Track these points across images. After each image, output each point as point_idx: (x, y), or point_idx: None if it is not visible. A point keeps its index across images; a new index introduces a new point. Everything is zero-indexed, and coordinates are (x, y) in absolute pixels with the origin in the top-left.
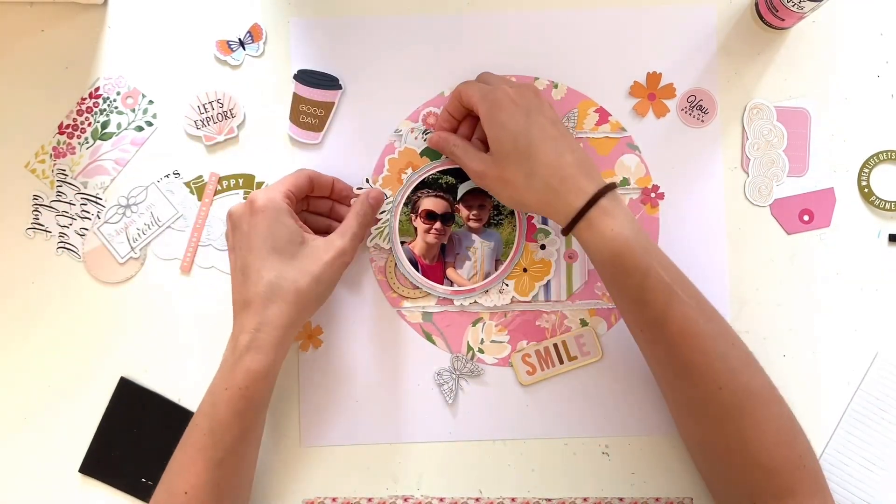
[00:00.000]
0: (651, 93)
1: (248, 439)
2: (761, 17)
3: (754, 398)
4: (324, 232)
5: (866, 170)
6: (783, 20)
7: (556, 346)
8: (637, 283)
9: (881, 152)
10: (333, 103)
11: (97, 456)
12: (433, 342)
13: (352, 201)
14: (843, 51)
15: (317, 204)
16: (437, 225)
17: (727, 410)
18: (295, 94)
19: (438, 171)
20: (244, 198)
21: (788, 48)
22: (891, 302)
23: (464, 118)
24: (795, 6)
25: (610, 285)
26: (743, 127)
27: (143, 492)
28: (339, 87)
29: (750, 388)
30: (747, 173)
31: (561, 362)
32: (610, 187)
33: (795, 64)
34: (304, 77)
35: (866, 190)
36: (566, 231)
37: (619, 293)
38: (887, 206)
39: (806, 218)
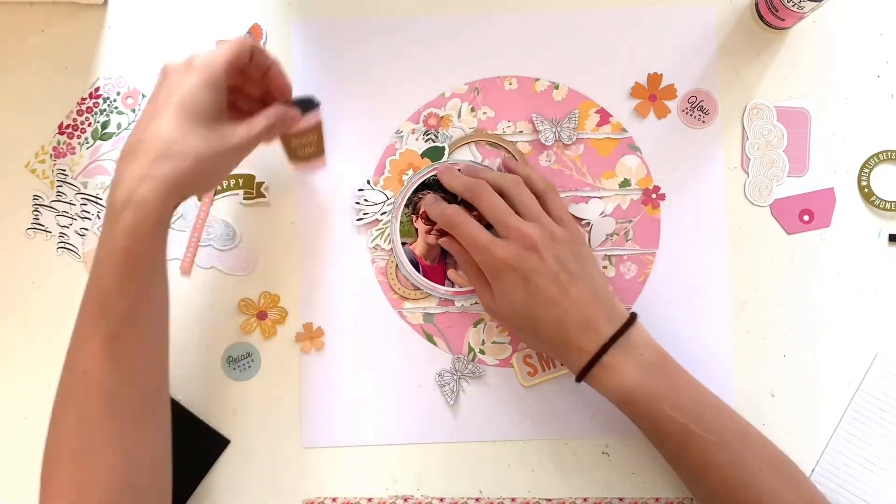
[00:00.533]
0: (652, 94)
1: (144, 307)
2: (761, 17)
3: None
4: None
5: (866, 170)
6: (783, 20)
7: None
8: (649, 427)
9: (881, 152)
10: (320, 121)
11: None
12: (434, 343)
13: (274, 106)
14: (843, 51)
15: (251, 87)
16: (438, 226)
17: None
18: (281, 135)
19: None
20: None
21: (788, 48)
22: (891, 302)
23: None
24: (795, 6)
25: (631, 419)
26: (743, 127)
27: None
28: (318, 103)
29: None
30: (747, 173)
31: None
32: (617, 334)
33: (795, 64)
34: None
35: (866, 190)
36: (578, 381)
37: (639, 428)
38: (887, 206)
39: (806, 218)
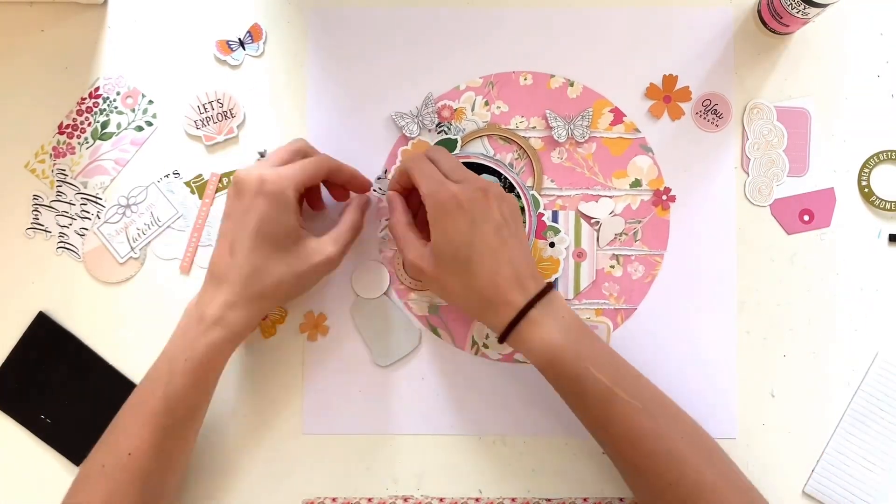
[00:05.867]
0: (666, 95)
1: (200, 410)
2: (765, 24)
3: (708, 492)
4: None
5: (866, 170)
6: (787, 26)
7: None
8: (574, 390)
9: (881, 152)
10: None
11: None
12: (439, 335)
13: (345, 209)
14: (843, 51)
15: (336, 192)
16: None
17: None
18: None
19: None
20: (260, 155)
21: (789, 49)
22: (891, 302)
23: (411, 191)
24: (800, 13)
25: (554, 387)
26: (743, 127)
27: (38, 427)
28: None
29: (701, 483)
30: (747, 173)
31: None
32: (541, 294)
33: (795, 64)
34: None
35: (866, 190)
36: (501, 340)
37: (562, 397)
38: (887, 206)
39: (806, 218)
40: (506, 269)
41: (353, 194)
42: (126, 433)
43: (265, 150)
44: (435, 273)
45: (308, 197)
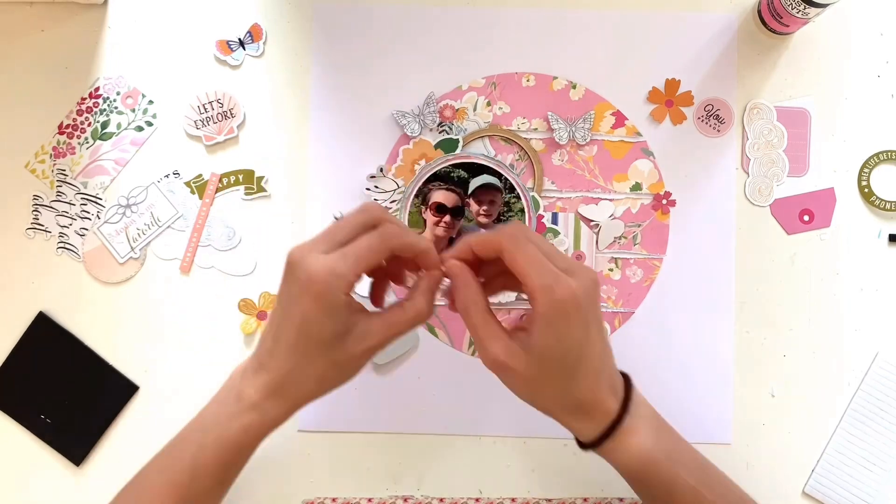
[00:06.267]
0: (669, 99)
1: (226, 485)
2: (765, 24)
3: None
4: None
5: (866, 170)
6: (787, 26)
7: None
8: (664, 492)
9: (881, 152)
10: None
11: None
12: (435, 335)
13: (410, 292)
14: (843, 51)
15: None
16: (447, 218)
17: None
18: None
19: (451, 165)
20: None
21: (789, 49)
22: (891, 302)
23: (483, 261)
24: (800, 13)
25: (638, 492)
26: (743, 127)
27: (38, 427)
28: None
29: None
30: (747, 173)
31: None
32: (627, 394)
33: (795, 64)
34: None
35: (866, 190)
36: (587, 448)
37: (647, 499)
38: (887, 206)
39: (806, 218)
40: (606, 374)
41: (421, 273)
42: (146, 497)
43: (341, 214)
44: (529, 372)
45: (390, 271)
